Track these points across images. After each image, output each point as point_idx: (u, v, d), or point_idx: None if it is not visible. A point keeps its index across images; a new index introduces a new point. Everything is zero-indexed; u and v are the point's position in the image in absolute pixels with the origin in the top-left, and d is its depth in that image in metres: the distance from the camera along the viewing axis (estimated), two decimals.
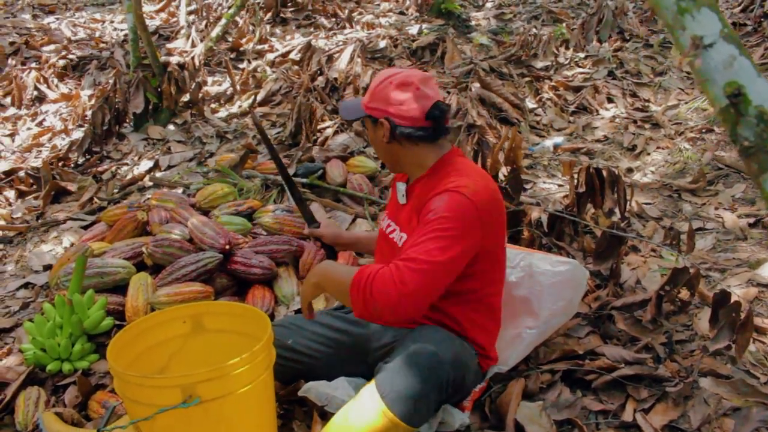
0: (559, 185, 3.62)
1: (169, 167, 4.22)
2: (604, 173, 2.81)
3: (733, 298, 2.18)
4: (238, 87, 5.19)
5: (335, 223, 3.04)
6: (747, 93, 0.85)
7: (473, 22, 6.12)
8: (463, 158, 1.97)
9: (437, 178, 1.87)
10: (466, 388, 1.90)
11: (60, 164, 4.38)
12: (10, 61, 6.01)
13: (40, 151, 4.75)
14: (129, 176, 4.16)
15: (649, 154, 4.00)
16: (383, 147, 1.97)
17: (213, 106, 5.09)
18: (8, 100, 5.52)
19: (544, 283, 2.19)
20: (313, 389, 1.91)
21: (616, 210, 2.86)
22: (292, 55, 5.51)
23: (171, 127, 4.73)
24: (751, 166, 0.87)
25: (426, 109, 1.87)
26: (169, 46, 6.07)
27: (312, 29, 6.36)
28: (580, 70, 5.14)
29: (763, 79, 0.88)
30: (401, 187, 2.01)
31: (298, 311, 2.55)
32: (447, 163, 1.92)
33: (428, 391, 1.67)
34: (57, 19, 7.30)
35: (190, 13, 6.83)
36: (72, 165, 4.43)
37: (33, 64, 5.95)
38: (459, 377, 1.79)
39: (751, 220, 3.10)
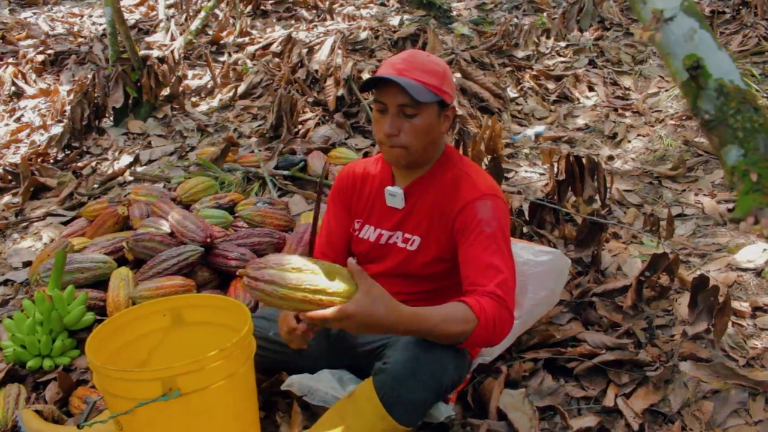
0: (541, 174, 3.63)
1: (150, 161, 4.19)
2: (584, 161, 2.83)
3: (712, 283, 2.20)
4: (218, 80, 5.16)
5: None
6: (706, 66, 0.85)
7: (454, 13, 6.11)
8: (460, 154, 1.95)
9: (452, 176, 1.85)
10: (459, 384, 1.90)
11: (39, 160, 4.33)
12: None
13: (19, 147, 4.70)
14: (109, 171, 4.13)
15: (629, 141, 4.02)
16: (436, 136, 1.82)
17: (193, 99, 5.06)
18: None
19: (526, 273, 2.19)
20: (296, 383, 1.90)
21: (597, 197, 2.87)
22: (272, 48, 5.48)
23: (151, 121, 4.69)
24: (713, 139, 0.87)
25: None
26: (149, 39, 6.02)
27: (293, 21, 6.33)
28: (561, 59, 5.16)
29: (723, 52, 0.88)
30: (396, 191, 1.88)
31: None
32: (453, 160, 1.89)
33: (429, 396, 1.69)
34: (34, 13, 7.22)
35: (169, 6, 6.77)
36: (51, 161, 4.39)
37: (10, 59, 5.88)
38: (457, 379, 1.79)
39: (731, 206, 3.12)
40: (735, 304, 2.32)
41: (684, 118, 4.13)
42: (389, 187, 1.91)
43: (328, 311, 1.46)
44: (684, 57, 0.85)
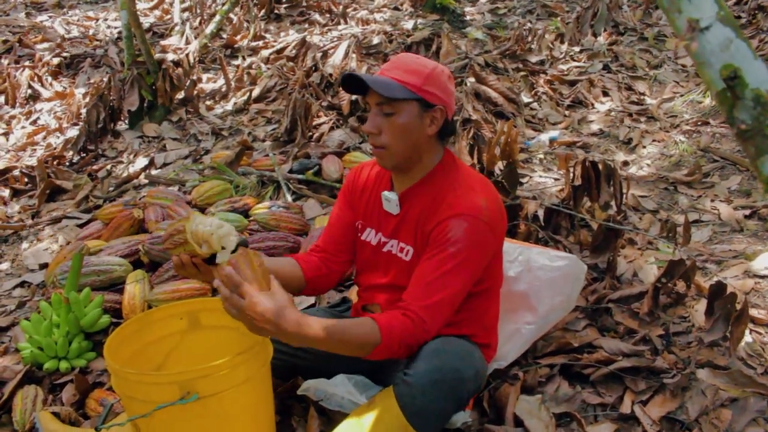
0: (555, 179, 3.62)
1: (165, 165, 4.21)
2: (600, 166, 2.82)
3: (729, 290, 2.18)
4: (232, 84, 5.18)
5: None
6: (743, 76, 0.84)
7: (468, 17, 6.10)
8: (459, 164, 1.87)
9: (441, 188, 1.79)
10: (477, 392, 1.89)
11: (55, 163, 4.37)
12: (3, 59, 5.99)
13: (35, 149, 4.73)
14: (124, 174, 4.15)
15: (644, 147, 4.00)
16: (421, 138, 1.76)
17: (208, 103, 5.08)
18: (2, 98, 5.51)
19: (542, 278, 2.18)
20: (312, 387, 1.89)
21: (612, 203, 2.86)
22: (286, 52, 5.50)
23: (166, 124, 4.72)
24: (749, 149, 0.86)
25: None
26: (164, 43, 6.05)
27: (306, 25, 6.35)
28: (575, 63, 5.14)
29: (760, 62, 0.87)
30: (391, 196, 1.85)
31: (306, 308, 2.54)
32: (447, 170, 1.83)
33: (449, 407, 1.69)
34: (50, 17, 7.28)
35: (184, 10, 6.80)
36: (67, 163, 4.42)
37: (27, 63, 5.93)
38: (476, 389, 1.79)
39: (747, 212, 3.10)
40: (752, 312, 2.30)
41: (699, 123, 4.10)
42: (385, 192, 1.87)
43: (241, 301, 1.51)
44: (721, 67, 0.85)
